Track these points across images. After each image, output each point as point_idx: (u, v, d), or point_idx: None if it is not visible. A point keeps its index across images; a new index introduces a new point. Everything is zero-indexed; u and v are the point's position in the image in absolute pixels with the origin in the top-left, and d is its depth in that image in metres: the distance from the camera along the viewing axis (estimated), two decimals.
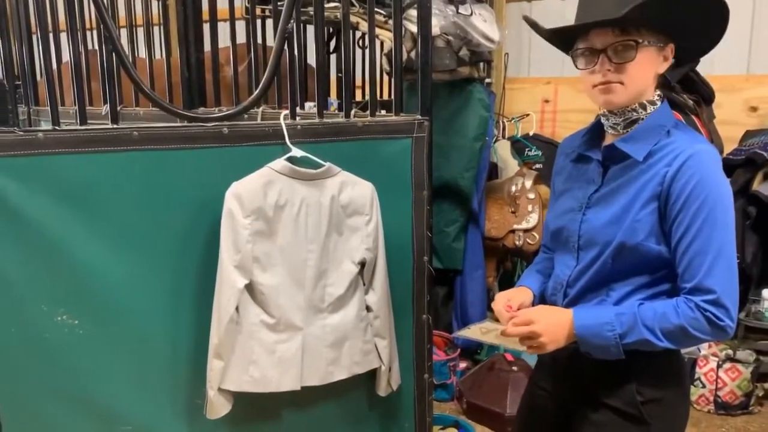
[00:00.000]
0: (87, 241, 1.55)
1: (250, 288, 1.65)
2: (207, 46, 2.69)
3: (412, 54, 2.78)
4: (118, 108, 1.68)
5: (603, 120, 1.52)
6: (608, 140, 1.52)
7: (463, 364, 3.56)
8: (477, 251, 3.50)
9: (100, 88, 1.69)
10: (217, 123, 1.69)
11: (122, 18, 3.07)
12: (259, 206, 1.62)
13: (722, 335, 1.35)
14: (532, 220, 3.40)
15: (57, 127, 1.53)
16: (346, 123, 1.88)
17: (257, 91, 1.83)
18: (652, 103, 1.45)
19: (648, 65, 1.41)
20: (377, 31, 2.61)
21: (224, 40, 2.67)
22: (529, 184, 3.47)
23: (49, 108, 1.59)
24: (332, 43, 3.42)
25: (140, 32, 3.03)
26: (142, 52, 3.03)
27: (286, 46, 1.82)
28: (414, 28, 2.51)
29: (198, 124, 1.68)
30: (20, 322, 1.53)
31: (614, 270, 1.45)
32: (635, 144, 1.44)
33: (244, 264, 1.62)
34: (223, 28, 2.63)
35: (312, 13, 1.87)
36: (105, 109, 1.84)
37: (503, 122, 4.16)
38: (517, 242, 3.44)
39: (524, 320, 1.46)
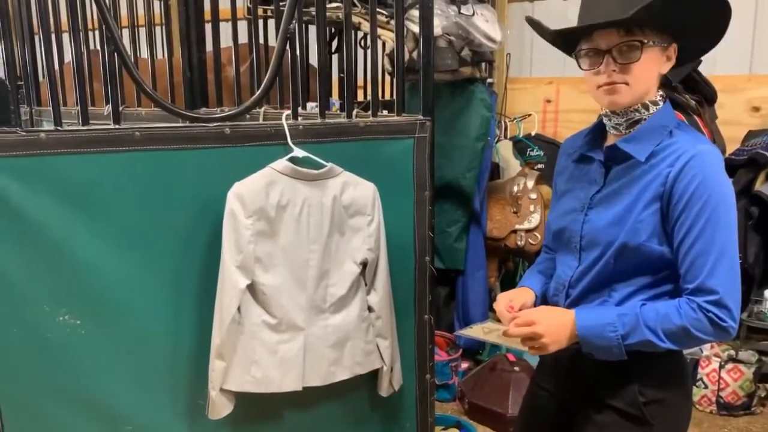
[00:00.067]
0: (89, 241, 1.55)
1: (251, 288, 1.65)
2: (209, 47, 2.69)
3: (414, 54, 2.78)
4: (120, 108, 1.68)
5: (605, 120, 1.51)
6: (610, 140, 1.52)
7: (464, 365, 3.55)
8: (479, 251, 3.49)
9: (102, 88, 1.69)
10: (219, 123, 1.69)
11: (124, 18, 3.07)
12: (261, 206, 1.62)
13: (724, 336, 1.35)
14: (534, 220, 3.40)
15: (59, 128, 1.53)
16: (348, 123, 1.88)
17: (259, 91, 1.83)
18: (655, 103, 1.45)
19: (652, 65, 1.41)
20: (379, 31, 2.61)
21: (226, 41, 2.67)
22: (531, 184, 3.47)
23: (51, 108, 1.59)
24: (334, 44, 3.42)
25: (142, 32, 3.03)
26: (144, 53, 3.03)
27: (288, 47, 1.82)
28: (416, 29, 2.51)
29: (200, 124, 1.68)
30: (22, 322, 1.53)
31: (616, 271, 1.45)
32: (637, 144, 1.44)
33: (246, 264, 1.62)
34: (225, 29, 2.63)
35: (314, 13, 1.87)
36: (107, 109, 1.84)
37: (505, 122, 4.15)
38: (519, 242, 3.43)
39: (526, 321, 1.46)
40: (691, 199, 1.34)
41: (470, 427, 3.05)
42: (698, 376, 3.25)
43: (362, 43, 3.37)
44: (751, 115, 3.57)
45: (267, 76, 1.82)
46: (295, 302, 1.69)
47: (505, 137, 4.09)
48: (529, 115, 4.13)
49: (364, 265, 1.79)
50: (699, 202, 1.33)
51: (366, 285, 1.82)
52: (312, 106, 2.35)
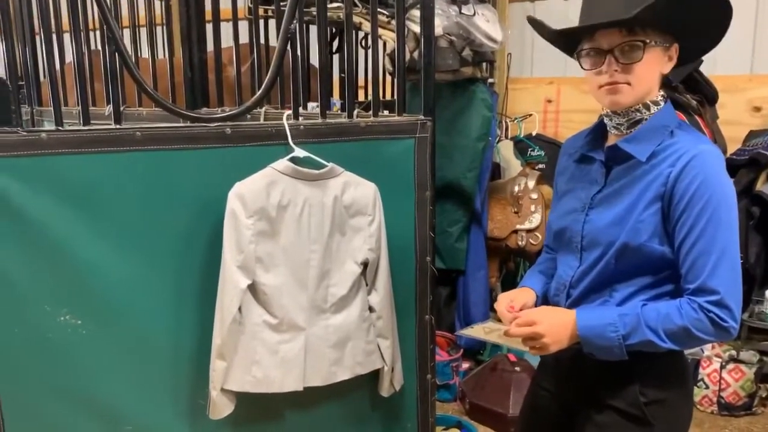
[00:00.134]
0: (90, 241, 1.55)
1: (252, 288, 1.65)
2: (210, 46, 2.69)
3: (415, 54, 2.78)
4: (121, 108, 1.68)
5: (606, 120, 1.51)
6: (611, 140, 1.52)
7: (465, 365, 3.55)
8: (480, 251, 3.49)
9: (103, 88, 1.69)
10: (220, 123, 1.69)
11: (125, 18, 3.07)
12: (262, 206, 1.62)
13: (726, 336, 1.35)
14: (535, 220, 3.40)
15: (60, 128, 1.53)
16: (349, 123, 1.88)
17: (260, 91, 1.83)
18: (656, 103, 1.45)
19: (654, 65, 1.41)
20: (380, 31, 2.61)
21: (227, 41, 2.67)
22: (532, 184, 3.47)
23: (52, 108, 1.59)
24: (335, 44, 3.42)
25: (143, 32, 3.03)
26: (145, 53, 3.03)
27: (289, 47, 1.82)
28: (417, 29, 2.50)
29: (201, 124, 1.68)
30: (23, 322, 1.53)
31: (617, 271, 1.45)
32: (638, 144, 1.44)
33: (247, 264, 1.62)
34: (226, 29, 2.63)
35: (315, 13, 1.87)
36: (108, 109, 1.84)
37: (506, 122, 4.15)
38: (519, 242, 3.43)
39: (527, 321, 1.46)
40: (692, 199, 1.34)
41: (471, 427, 3.05)
42: (699, 377, 3.25)
43: (363, 43, 3.37)
44: (752, 115, 3.57)
45: (268, 76, 1.82)
46: (296, 302, 1.69)
47: (506, 137, 4.09)
48: (530, 115, 4.13)
49: (365, 265, 1.79)
50: (700, 202, 1.33)
51: (367, 285, 1.82)
52: (313, 106, 2.35)
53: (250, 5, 2.95)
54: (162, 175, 1.61)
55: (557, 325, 1.44)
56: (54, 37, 2.62)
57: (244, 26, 2.76)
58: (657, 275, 1.43)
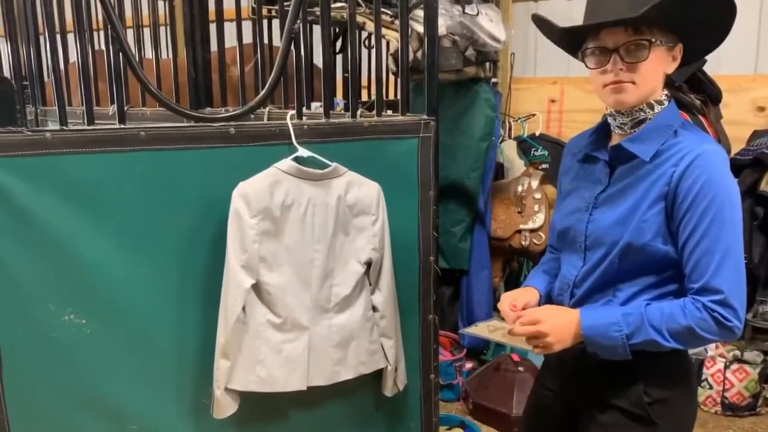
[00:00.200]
0: (94, 240, 1.55)
1: (256, 288, 1.65)
2: (213, 47, 2.69)
3: (419, 54, 2.78)
4: (125, 108, 1.69)
5: (610, 120, 1.51)
6: (615, 140, 1.52)
7: (469, 365, 3.55)
8: (483, 251, 3.49)
9: (107, 88, 1.70)
10: (223, 123, 1.69)
11: (128, 18, 3.08)
12: (266, 206, 1.62)
13: (730, 336, 1.35)
14: (539, 220, 3.40)
15: (65, 127, 1.53)
16: (353, 123, 1.88)
17: (264, 91, 1.83)
18: (660, 102, 1.45)
19: (659, 65, 1.41)
20: (383, 31, 2.61)
21: (231, 41, 2.67)
22: (535, 184, 3.47)
23: (56, 108, 1.60)
24: (338, 44, 3.42)
25: (147, 33, 3.03)
26: (149, 53, 3.04)
27: (292, 46, 1.82)
28: (420, 28, 2.51)
29: (205, 124, 1.69)
30: (28, 322, 1.53)
31: (621, 270, 1.45)
32: (642, 144, 1.44)
33: (251, 264, 1.62)
34: (230, 29, 2.63)
35: (318, 13, 1.88)
36: (112, 109, 1.84)
37: (509, 122, 4.15)
38: (523, 242, 3.43)
39: (531, 320, 1.46)
40: (696, 199, 1.34)
41: (474, 427, 3.05)
42: (703, 377, 3.24)
43: (366, 43, 3.37)
44: (756, 115, 3.56)
45: (271, 76, 1.82)
46: (300, 302, 1.69)
47: (510, 137, 4.09)
48: (534, 115, 4.13)
49: (368, 264, 1.79)
50: (704, 202, 1.33)
51: (370, 285, 1.82)
52: (316, 106, 2.35)
53: (253, 5, 2.95)
54: (166, 175, 1.61)
55: (561, 324, 1.43)
56: (58, 37, 2.62)
57: (247, 26, 2.76)
58: (661, 275, 1.43)
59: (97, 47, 2.95)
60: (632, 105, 1.44)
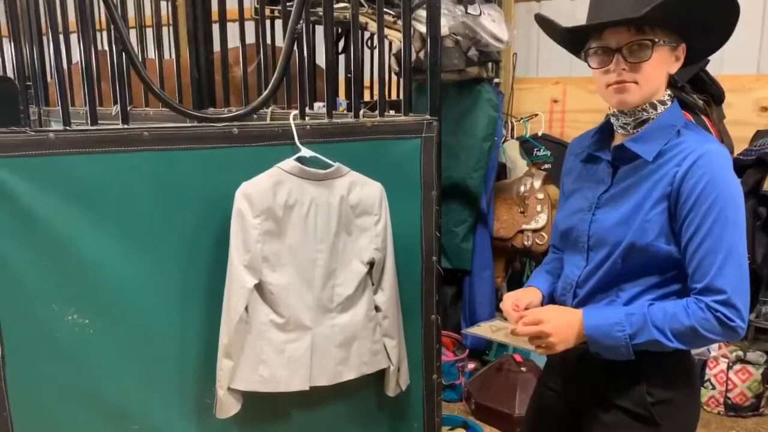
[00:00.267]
0: (97, 240, 1.56)
1: (259, 288, 1.65)
2: (217, 47, 2.69)
3: (421, 54, 2.78)
4: (128, 108, 1.69)
5: (613, 120, 1.51)
6: (618, 140, 1.52)
7: (471, 365, 3.55)
8: (485, 251, 3.49)
9: (110, 88, 1.70)
10: (226, 123, 1.69)
11: (131, 19, 3.09)
12: (269, 206, 1.63)
13: (733, 336, 1.34)
14: (541, 220, 3.39)
15: (68, 128, 1.53)
16: (355, 123, 1.88)
17: (266, 91, 1.83)
18: (663, 102, 1.45)
19: (662, 65, 1.41)
20: (386, 31, 2.61)
21: (234, 41, 2.67)
22: (538, 184, 3.46)
23: (59, 108, 1.60)
24: (341, 44, 3.42)
25: (149, 33, 3.04)
26: (152, 53, 3.04)
27: (295, 47, 1.82)
28: (423, 29, 2.51)
29: (208, 124, 1.69)
30: (31, 321, 1.53)
31: (624, 270, 1.45)
32: (645, 144, 1.44)
33: (254, 264, 1.62)
34: (233, 29, 2.64)
35: (321, 13, 1.87)
36: (115, 109, 1.85)
37: (512, 122, 4.15)
38: (525, 242, 3.43)
39: (534, 320, 1.46)
40: (699, 199, 1.33)
41: (477, 427, 3.05)
42: (706, 377, 3.24)
43: (369, 43, 3.37)
44: (759, 115, 3.56)
45: (274, 76, 1.83)
46: (303, 302, 1.69)
47: (512, 137, 4.09)
48: (536, 115, 4.13)
49: (371, 264, 1.79)
50: (707, 202, 1.33)
51: (373, 285, 1.82)
52: (319, 106, 2.35)
53: (256, 5, 2.96)
54: (169, 175, 1.62)
55: (564, 325, 1.43)
56: (61, 37, 2.63)
57: (250, 26, 2.77)
58: (664, 275, 1.43)
59: (100, 47, 2.96)
60: (635, 105, 1.43)
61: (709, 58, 1.65)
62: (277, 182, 1.64)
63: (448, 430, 2.98)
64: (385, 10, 2.04)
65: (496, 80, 3.80)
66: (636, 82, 1.39)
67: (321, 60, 1.92)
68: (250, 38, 2.71)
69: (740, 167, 3.21)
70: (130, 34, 1.76)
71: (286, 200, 1.65)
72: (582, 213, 1.54)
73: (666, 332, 1.35)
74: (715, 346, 3.24)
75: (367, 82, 3.25)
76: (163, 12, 2.99)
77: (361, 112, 1.95)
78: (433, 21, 1.94)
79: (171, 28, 2.96)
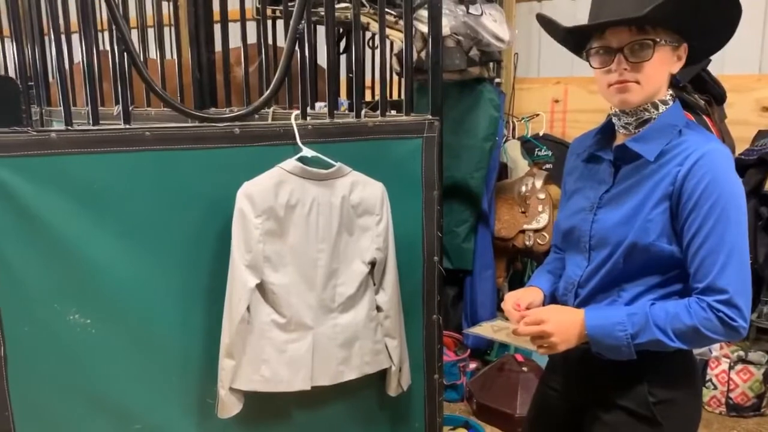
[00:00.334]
0: (99, 240, 1.56)
1: (261, 287, 1.65)
2: (218, 47, 2.70)
3: (423, 54, 2.78)
4: (130, 108, 1.69)
5: (614, 119, 1.51)
6: (619, 140, 1.52)
7: (473, 365, 3.55)
8: (487, 251, 3.49)
9: (112, 88, 1.70)
10: (228, 123, 1.70)
11: (133, 19, 3.09)
12: (270, 206, 1.63)
13: (735, 336, 1.34)
14: (543, 220, 3.40)
15: (70, 127, 1.54)
16: (357, 123, 1.88)
17: (268, 91, 1.84)
18: (665, 102, 1.45)
19: (663, 65, 1.41)
20: (388, 31, 2.61)
21: (235, 41, 2.67)
22: (539, 184, 3.47)
23: (61, 108, 1.60)
24: (343, 44, 3.42)
25: (151, 33, 3.04)
26: (153, 53, 3.05)
27: (297, 47, 1.82)
28: (424, 29, 2.51)
29: (209, 124, 1.69)
30: (33, 321, 1.54)
31: (626, 270, 1.44)
32: (647, 144, 1.44)
33: (256, 263, 1.62)
34: (234, 29, 2.64)
35: (323, 13, 1.88)
36: (117, 109, 1.85)
37: (513, 122, 4.15)
38: (527, 242, 3.43)
39: (535, 319, 1.46)
40: (701, 198, 1.33)
41: (478, 427, 3.05)
42: (707, 377, 3.23)
43: (371, 43, 3.37)
44: (761, 115, 3.56)
45: (276, 77, 1.83)
46: (304, 301, 1.69)
47: (513, 137, 4.09)
48: (537, 115, 4.13)
49: (372, 264, 1.79)
50: (708, 201, 1.33)
51: (374, 284, 1.82)
52: (321, 106, 2.36)
53: (258, 6, 2.96)
54: (171, 175, 1.62)
55: (565, 324, 1.43)
56: (63, 37, 2.64)
57: (252, 27, 2.77)
58: (665, 275, 1.43)
59: (101, 48, 2.96)
60: (637, 105, 1.43)
61: (711, 57, 1.65)
62: (278, 182, 1.64)
63: (449, 430, 2.98)
64: (386, 10, 2.04)
65: (497, 80, 3.80)
66: (637, 82, 1.39)
67: (322, 60, 1.92)
68: (252, 38, 2.71)
69: (742, 167, 3.20)
70: (131, 34, 1.76)
71: (287, 200, 1.65)
72: (584, 213, 1.54)
73: (668, 332, 1.35)
74: (717, 346, 3.24)
75: (368, 82, 3.26)
76: (165, 12, 3.00)
77: (363, 112, 1.95)
78: (435, 21, 1.94)
79: (172, 28, 2.97)
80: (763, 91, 3.54)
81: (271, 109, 2.19)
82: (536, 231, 3.41)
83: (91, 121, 1.61)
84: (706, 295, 1.33)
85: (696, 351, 1.54)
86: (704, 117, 2.78)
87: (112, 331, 1.61)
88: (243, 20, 2.68)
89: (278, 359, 1.67)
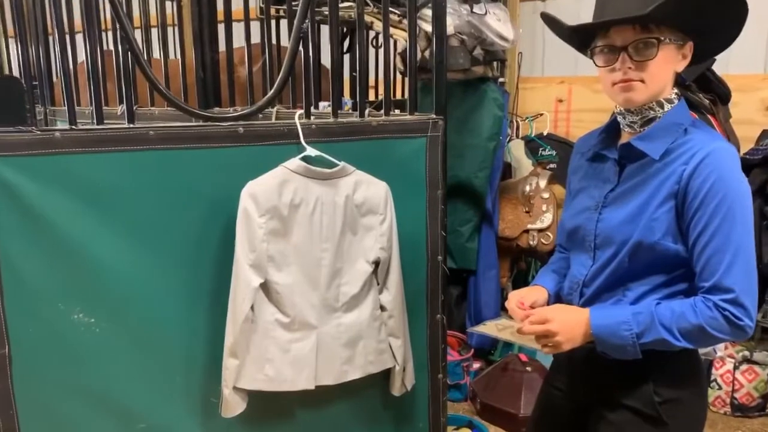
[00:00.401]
0: (103, 240, 1.56)
1: (265, 287, 1.65)
2: (222, 47, 2.70)
3: (427, 53, 2.78)
4: (134, 107, 1.69)
5: (619, 118, 1.51)
6: (624, 138, 1.51)
7: (476, 365, 3.55)
8: (491, 251, 3.49)
9: (115, 88, 1.70)
10: (232, 123, 1.69)
11: (136, 18, 3.09)
12: (274, 205, 1.63)
13: (741, 335, 1.34)
14: (547, 219, 3.39)
15: (74, 127, 1.54)
16: (361, 122, 1.88)
17: (272, 90, 1.84)
18: (670, 101, 1.44)
19: (668, 63, 1.40)
20: (391, 30, 2.61)
21: (239, 41, 2.67)
22: (543, 183, 3.46)
23: (66, 107, 1.60)
24: (346, 43, 3.42)
25: (154, 33, 3.04)
26: (157, 53, 3.05)
27: (300, 46, 1.82)
28: (428, 28, 2.50)
29: (213, 123, 1.69)
30: (37, 321, 1.54)
31: (631, 269, 1.44)
32: (652, 142, 1.43)
33: (259, 263, 1.62)
34: (238, 29, 2.64)
35: (326, 12, 1.88)
36: (121, 108, 1.85)
37: (517, 122, 4.14)
38: (531, 242, 3.42)
39: (540, 318, 1.45)
40: (707, 197, 1.33)
41: (482, 427, 3.05)
42: (712, 377, 3.23)
43: (374, 43, 3.37)
44: (765, 115, 3.55)
45: (280, 76, 1.83)
46: (308, 301, 1.69)
47: (517, 137, 4.09)
48: (541, 114, 4.13)
49: (376, 264, 1.79)
50: (714, 200, 1.32)
51: (378, 284, 1.82)
52: (324, 106, 2.35)
53: (261, 5, 2.96)
54: (175, 174, 1.62)
55: (570, 323, 1.43)
56: (67, 37, 2.64)
57: (255, 26, 2.77)
58: (671, 274, 1.42)
59: (105, 47, 2.97)
60: (641, 103, 1.43)
61: (716, 57, 1.64)
62: (282, 181, 1.64)
63: (453, 430, 2.98)
64: (390, 9, 2.04)
65: (501, 79, 3.80)
66: (642, 81, 1.39)
67: (326, 59, 1.92)
68: (256, 38, 2.71)
69: (747, 167, 3.20)
70: (135, 33, 1.76)
71: (291, 199, 1.65)
72: (588, 212, 1.54)
73: (673, 331, 1.35)
74: (721, 346, 3.23)
75: (372, 81, 3.25)
76: (168, 12, 3.00)
77: (367, 111, 1.95)
78: (439, 20, 1.94)
79: (176, 28, 2.97)
80: None
81: (275, 108, 2.19)
82: (540, 231, 3.40)
83: (95, 121, 1.61)
84: (712, 294, 1.33)
85: (701, 351, 1.53)
86: (709, 116, 2.77)
87: (116, 330, 1.61)
88: (247, 20, 2.68)
89: (282, 359, 1.67)
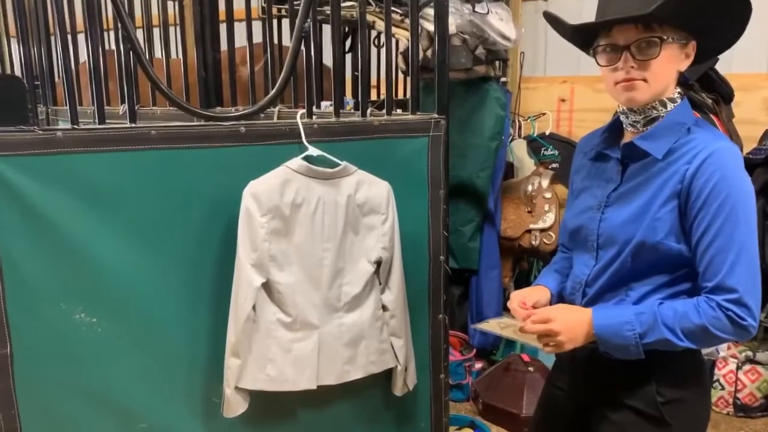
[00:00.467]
0: (105, 239, 1.56)
1: (266, 286, 1.65)
2: (224, 46, 2.69)
3: (429, 53, 2.77)
4: (136, 107, 1.69)
5: (622, 117, 1.50)
6: (627, 138, 1.51)
7: (478, 365, 3.55)
8: (493, 251, 3.48)
9: (117, 87, 1.70)
10: (234, 122, 1.69)
11: (138, 18, 3.09)
12: (276, 205, 1.62)
13: (744, 335, 1.33)
14: (549, 219, 3.39)
15: (76, 126, 1.54)
16: (363, 122, 1.87)
17: (274, 90, 1.83)
18: (673, 100, 1.44)
19: (671, 62, 1.40)
20: (393, 30, 2.61)
21: (241, 40, 2.67)
22: (545, 183, 3.46)
23: (67, 107, 1.60)
24: (348, 43, 3.42)
25: (156, 33, 3.04)
26: (159, 53, 3.05)
27: (302, 46, 1.82)
28: (430, 27, 2.50)
29: (215, 123, 1.69)
30: (39, 320, 1.54)
31: (633, 269, 1.44)
32: (655, 142, 1.43)
33: (261, 262, 1.62)
34: (240, 28, 2.64)
35: (328, 12, 1.87)
36: (122, 108, 1.85)
37: (519, 121, 4.14)
38: (533, 242, 3.42)
39: (542, 318, 1.45)
40: (710, 197, 1.32)
41: (484, 427, 3.04)
42: (715, 378, 3.22)
43: (376, 42, 3.36)
44: None
45: (282, 76, 1.82)
46: (310, 301, 1.69)
47: (519, 136, 4.08)
48: (543, 114, 4.12)
49: (378, 263, 1.79)
50: (717, 200, 1.32)
51: (380, 284, 1.81)
52: (326, 105, 2.35)
53: (263, 5, 2.96)
54: (176, 174, 1.62)
55: (573, 323, 1.43)
56: (69, 36, 2.64)
57: (257, 26, 2.77)
58: (673, 273, 1.42)
59: (107, 47, 2.97)
60: (644, 103, 1.42)
61: (719, 56, 1.64)
62: (284, 181, 1.64)
63: (455, 430, 2.98)
64: (392, 8, 2.03)
65: (503, 79, 3.79)
66: (645, 80, 1.38)
67: (328, 59, 1.92)
68: (257, 37, 2.71)
69: (749, 166, 3.18)
70: (137, 33, 1.76)
71: (293, 199, 1.64)
72: (591, 211, 1.53)
73: (676, 331, 1.34)
74: (724, 346, 3.22)
75: (374, 81, 3.25)
76: (170, 11, 3.00)
77: (369, 110, 1.95)
78: (441, 19, 1.94)
79: (178, 27, 2.97)
80: None
81: (277, 108, 2.19)
82: (542, 230, 3.40)
83: (96, 120, 1.61)
84: (715, 294, 1.32)
85: (703, 351, 1.53)
86: (712, 116, 2.77)
87: (117, 329, 1.61)
88: (249, 19, 2.68)
89: (284, 358, 1.67)
